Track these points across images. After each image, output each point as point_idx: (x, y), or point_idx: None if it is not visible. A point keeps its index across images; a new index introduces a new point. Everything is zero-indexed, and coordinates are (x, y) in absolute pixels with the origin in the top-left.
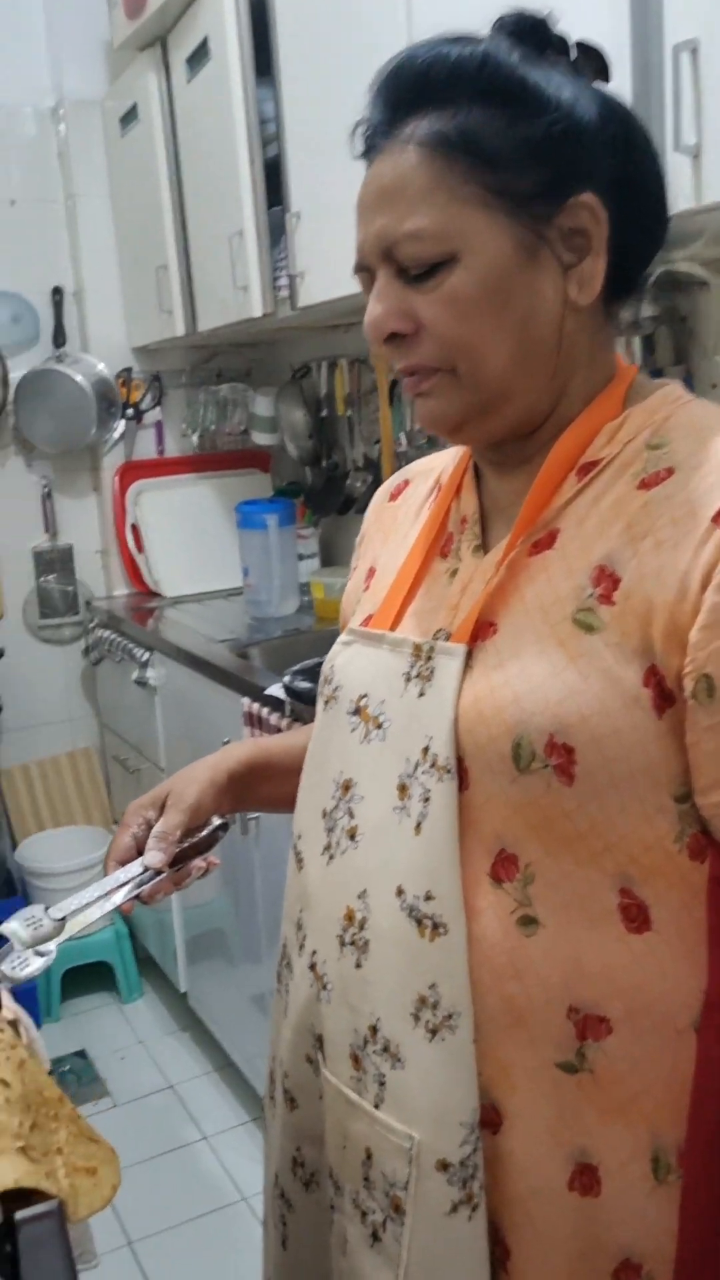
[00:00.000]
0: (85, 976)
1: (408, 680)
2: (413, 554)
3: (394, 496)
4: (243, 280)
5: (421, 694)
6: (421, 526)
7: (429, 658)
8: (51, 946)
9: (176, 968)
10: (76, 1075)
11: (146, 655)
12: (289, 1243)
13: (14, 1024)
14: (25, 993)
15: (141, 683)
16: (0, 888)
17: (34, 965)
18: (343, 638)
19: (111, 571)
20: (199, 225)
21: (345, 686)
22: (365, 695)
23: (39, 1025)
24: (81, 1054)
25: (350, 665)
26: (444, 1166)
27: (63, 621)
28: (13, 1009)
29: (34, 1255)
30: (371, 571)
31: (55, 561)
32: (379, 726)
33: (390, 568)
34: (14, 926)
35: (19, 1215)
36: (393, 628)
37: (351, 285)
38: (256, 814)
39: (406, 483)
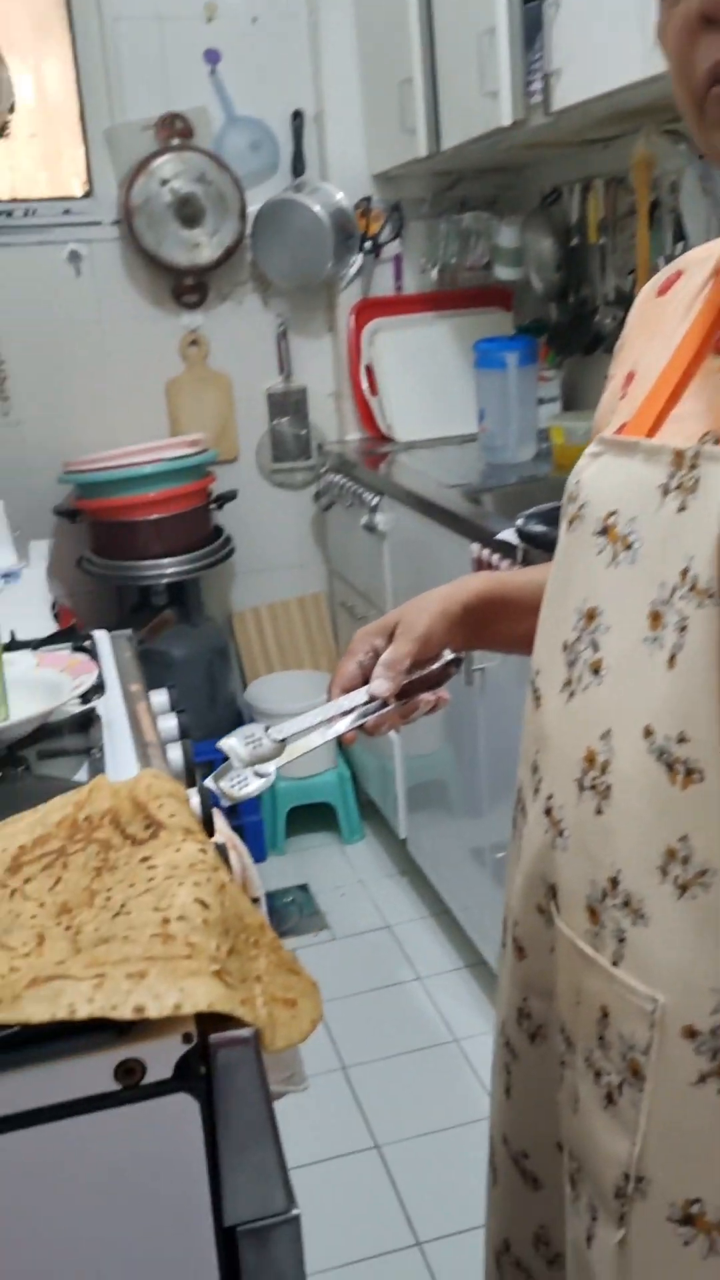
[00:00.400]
0: (309, 816)
1: (665, 493)
2: (680, 351)
3: (663, 290)
4: (491, 85)
5: (682, 508)
6: (693, 320)
7: (693, 466)
8: (270, 769)
9: (397, 814)
10: (298, 907)
11: (376, 500)
12: (513, 1092)
13: (223, 850)
14: (252, 826)
15: (370, 528)
16: (230, 726)
17: (252, 785)
18: (590, 449)
19: (344, 415)
20: (446, 28)
21: (591, 504)
22: (614, 513)
23: (263, 858)
24: (304, 888)
25: (598, 479)
26: (691, 1034)
27: (295, 466)
28: (226, 834)
29: (228, 1080)
30: (630, 376)
31: (289, 404)
32: (628, 548)
33: (652, 370)
34: (233, 743)
35: (214, 1038)
36: (651, 434)
37: (613, 80)
38: (482, 665)
39: (679, 274)
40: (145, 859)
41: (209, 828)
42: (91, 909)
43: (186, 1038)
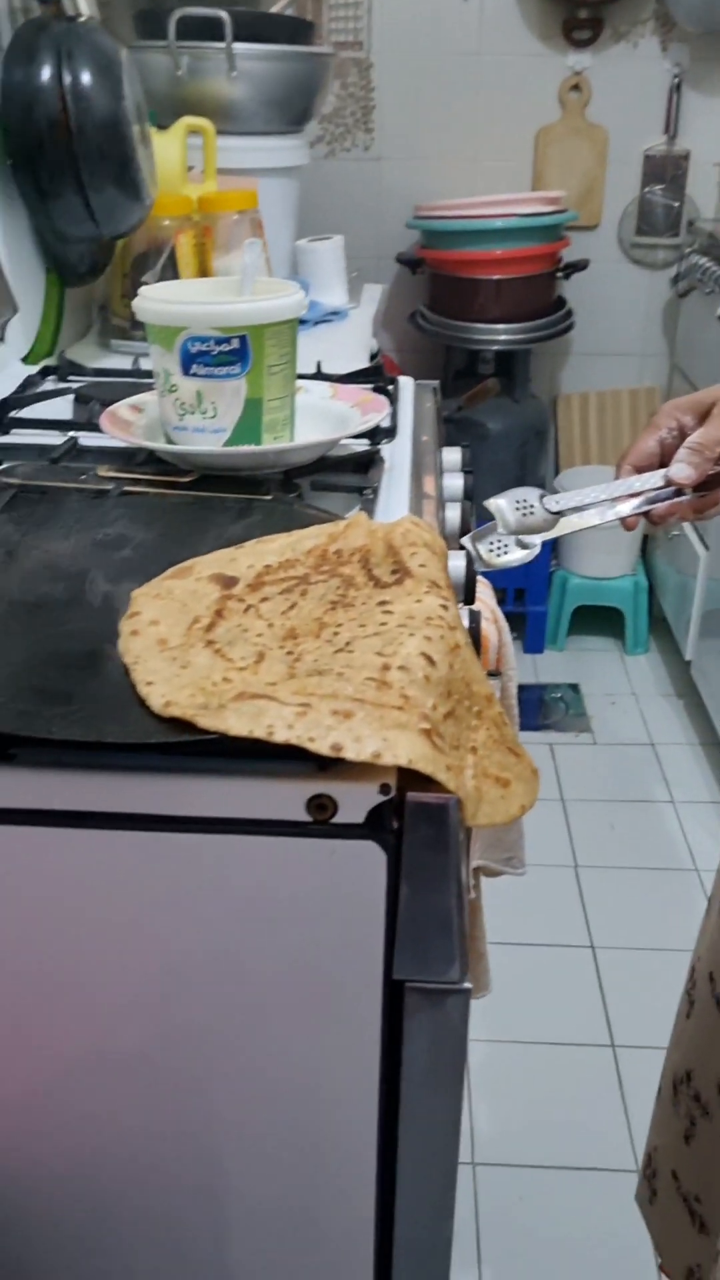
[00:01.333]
0: (595, 618)
1: None
2: None
3: None
4: None
5: None
6: None
7: None
8: (537, 540)
9: (687, 634)
10: (565, 705)
11: None
12: None
13: (477, 618)
14: (535, 616)
15: None
16: None
17: (512, 555)
18: None
19: None
20: None
21: None
22: None
23: (540, 650)
24: (575, 688)
25: None
26: None
27: (659, 241)
28: (489, 605)
29: (419, 841)
30: None
31: (666, 170)
32: None
33: None
34: (501, 504)
35: (412, 796)
36: None
37: None
38: None
39: None
40: (383, 603)
41: (469, 593)
42: (317, 640)
43: (384, 789)
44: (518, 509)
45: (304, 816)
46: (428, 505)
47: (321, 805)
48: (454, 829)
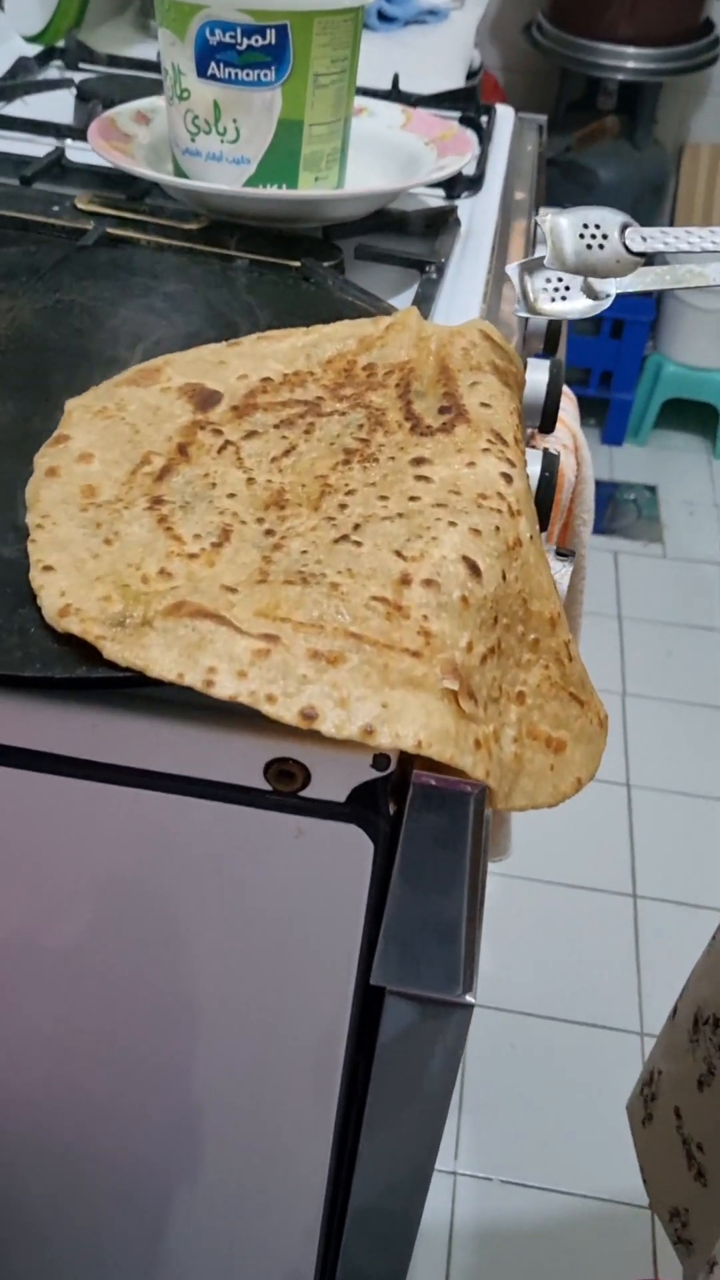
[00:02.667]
0: (686, 414)
1: None
2: None
3: None
4: None
5: None
6: None
7: None
8: (611, 288)
9: None
10: (638, 509)
11: None
12: None
13: (554, 461)
14: (619, 404)
15: None
16: None
17: (574, 303)
18: None
19: None
20: None
21: None
22: None
23: (619, 442)
24: (651, 489)
25: None
26: None
27: None
28: (571, 428)
29: (423, 839)
30: None
31: None
32: None
33: None
34: (561, 224)
35: (418, 777)
36: None
37: None
38: None
39: None
40: (419, 461)
41: (548, 417)
42: (313, 515)
43: (380, 761)
44: (583, 236)
45: (261, 784)
46: (508, 299)
47: (287, 773)
48: (476, 824)
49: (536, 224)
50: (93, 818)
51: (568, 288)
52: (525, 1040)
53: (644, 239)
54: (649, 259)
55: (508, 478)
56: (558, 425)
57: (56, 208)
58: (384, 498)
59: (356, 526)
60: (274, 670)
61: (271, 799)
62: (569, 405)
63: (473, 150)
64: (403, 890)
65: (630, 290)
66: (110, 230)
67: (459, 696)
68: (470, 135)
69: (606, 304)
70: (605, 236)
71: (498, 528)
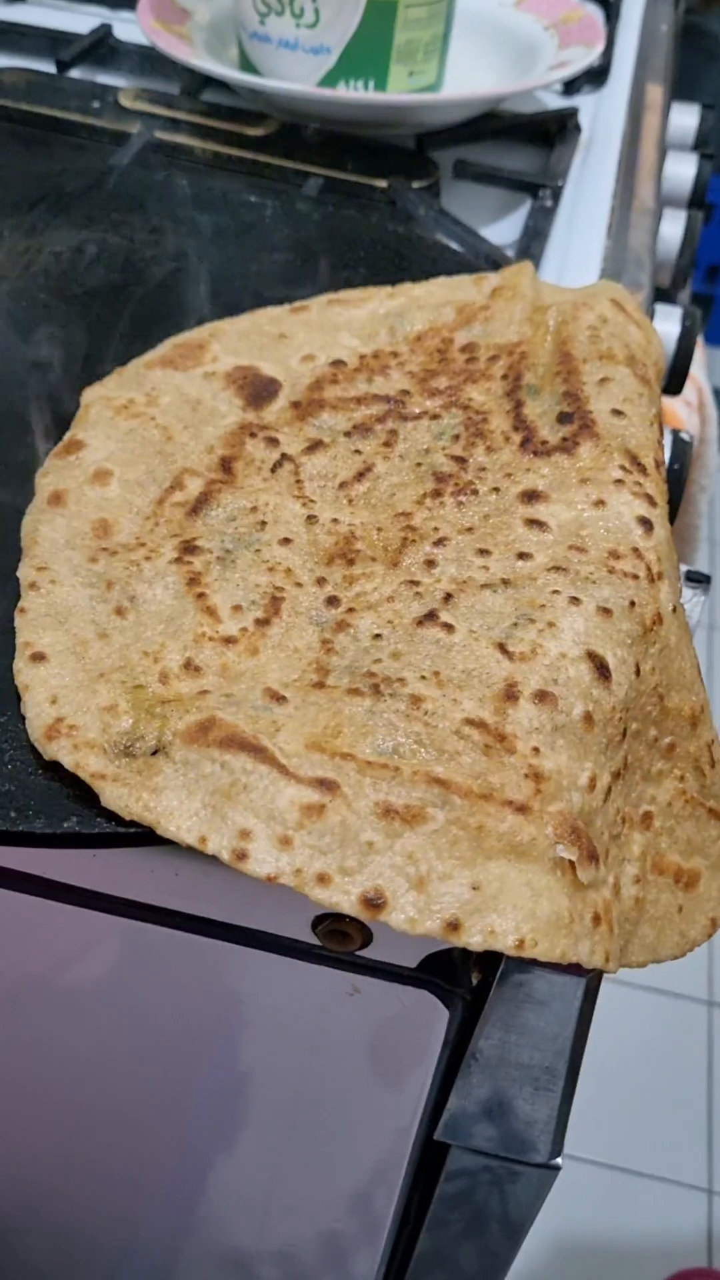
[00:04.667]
0: None
1: None
2: None
3: None
4: None
5: None
6: None
7: None
8: None
9: None
10: None
11: None
12: None
13: (685, 448)
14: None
15: None
16: None
17: None
18: None
19: None
20: None
21: None
22: None
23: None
24: None
25: None
26: None
27: None
28: (697, 385)
29: (515, 1015)
30: None
31: None
32: None
33: None
34: None
35: (504, 977)
36: None
37: None
38: None
39: None
40: (531, 496)
41: (677, 378)
42: (391, 574)
43: (453, 926)
44: None
45: (311, 939)
46: (641, 225)
47: (338, 932)
48: (583, 1009)
49: None
50: (113, 951)
51: None
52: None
53: None
54: None
55: (647, 525)
56: (685, 395)
57: (97, 103)
58: (484, 551)
59: (447, 598)
60: (330, 836)
61: (322, 955)
62: (697, 352)
63: (602, 40)
64: (485, 1049)
65: None
66: (159, 134)
67: (580, 864)
68: (598, 17)
69: None
70: None
71: (633, 603)
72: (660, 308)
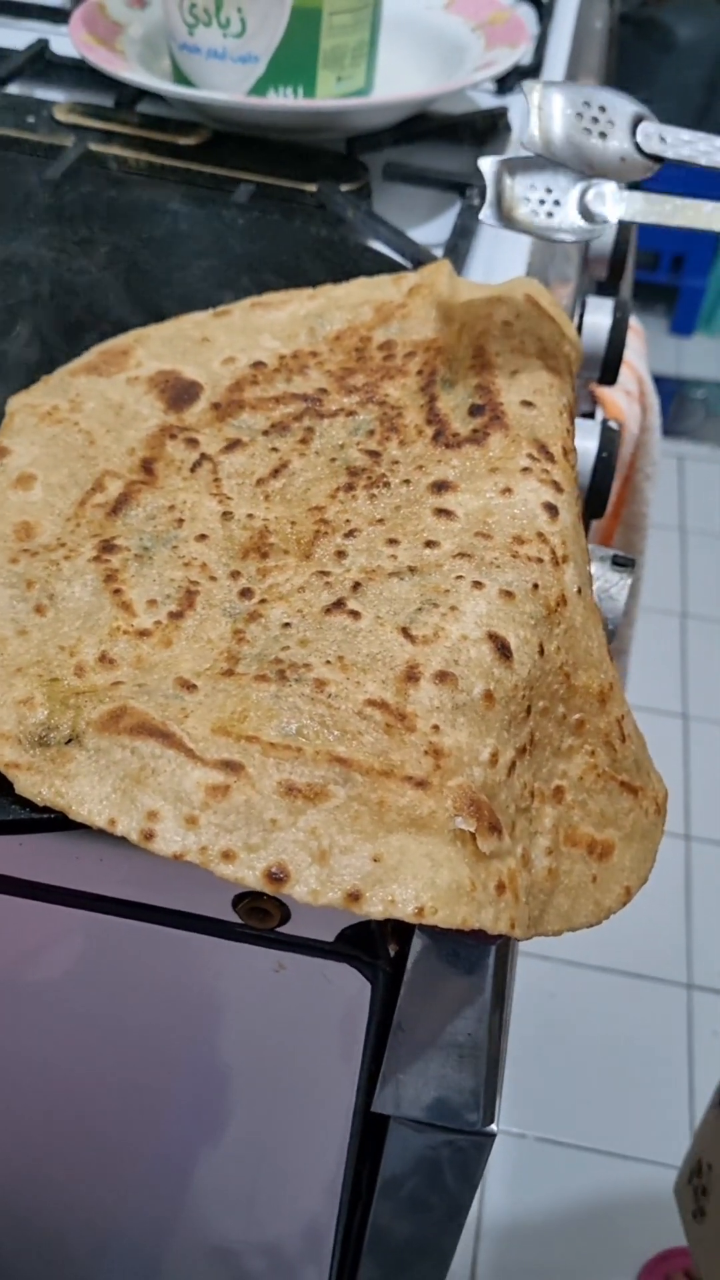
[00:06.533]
0: None
1: None
2: None
3: None
4: None
5: None
6: None
7: None
8: (612, 211)
9: None
10: (707, 408)
11: None
12: None
13: (612, 435)
14: (689, 293)
15: None
16: None
17: (560, 222)
18: None
19: None
20: None
21: None
22: None
23: (689, 333)
24: None
25: None
26: None
27: None
28: (636, 374)
29: (429, 986)
30: None
31: None
32: None
33: None
34: (555, 98)
35: (417, 946)
36: None
37: None
38: None
39: None
40: (441, 486)
41: (609, 370)
42: (303, 566)
43: (354, 896)
44: (582, 117)
45: (231, 916)
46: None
47: (259, 910)
48: (499, 969)
49: (523, 94)
50: (42, 937)
51: (556, 202)
52: (565, 989)
53: (663, 139)
54: (660, 160)
55: (552, 510)
56: (621, 369)
57: (32, 118)
58: (393, 541)
59: (356, 586)
60: (234, 815)
61: (245, 933)
62: (636, 342)
63: (528, 40)
64: (409, 1018)
65: (639, 220)
66: (93, 147)
67: (479, 834)
68: (525, 19)
69: (600, 232)
70: (612, 124)
71: (536, 585)
72: (592, 300)
